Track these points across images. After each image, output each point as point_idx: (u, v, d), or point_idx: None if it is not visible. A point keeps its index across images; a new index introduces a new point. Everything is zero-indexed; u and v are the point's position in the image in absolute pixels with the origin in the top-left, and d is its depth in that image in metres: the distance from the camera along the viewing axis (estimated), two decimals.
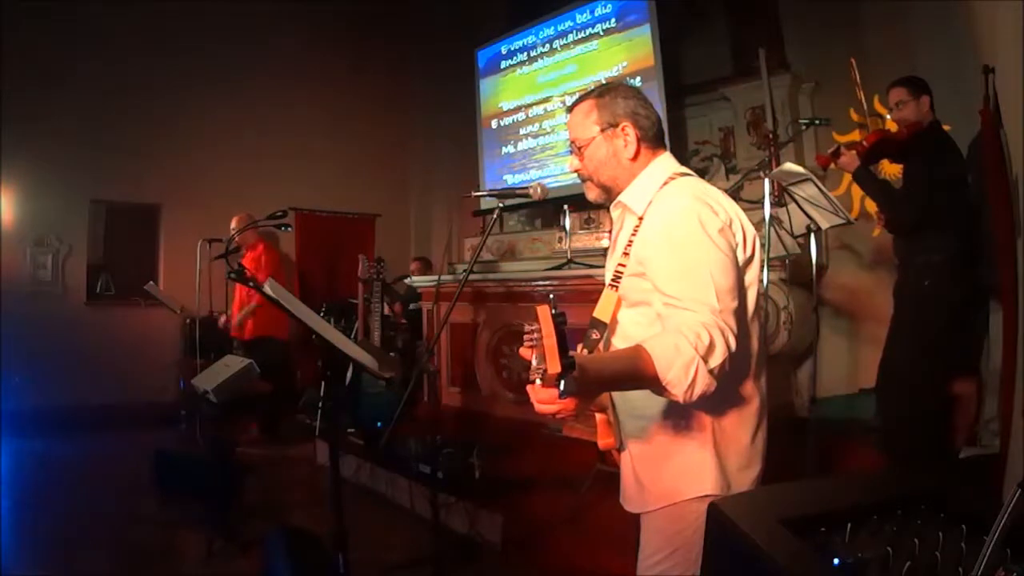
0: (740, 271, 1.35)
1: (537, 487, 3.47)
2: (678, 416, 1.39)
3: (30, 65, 5.81)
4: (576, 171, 1.52)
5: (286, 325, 5.72)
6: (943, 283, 2.96)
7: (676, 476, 1.40)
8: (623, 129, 1.44)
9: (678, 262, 1.30)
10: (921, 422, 3.00)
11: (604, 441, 1.49)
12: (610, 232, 5.12)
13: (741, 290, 1.34)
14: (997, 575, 0.87)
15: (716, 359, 1.20)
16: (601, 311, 1.46)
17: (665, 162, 1.47)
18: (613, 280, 1.46)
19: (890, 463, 3.09)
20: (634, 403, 1.44)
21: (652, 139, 1.46)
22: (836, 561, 0.97)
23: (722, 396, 1.29)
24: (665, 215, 1.36)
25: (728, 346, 1.22)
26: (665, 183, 1.42)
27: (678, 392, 1.17)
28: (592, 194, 1.52)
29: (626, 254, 1.42)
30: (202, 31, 6.63)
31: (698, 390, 1.18)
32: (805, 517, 1.05)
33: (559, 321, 0.97)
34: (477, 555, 3.07)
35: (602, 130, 1.45)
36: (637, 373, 1.15)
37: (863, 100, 3.63)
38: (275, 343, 5.62)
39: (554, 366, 0.96)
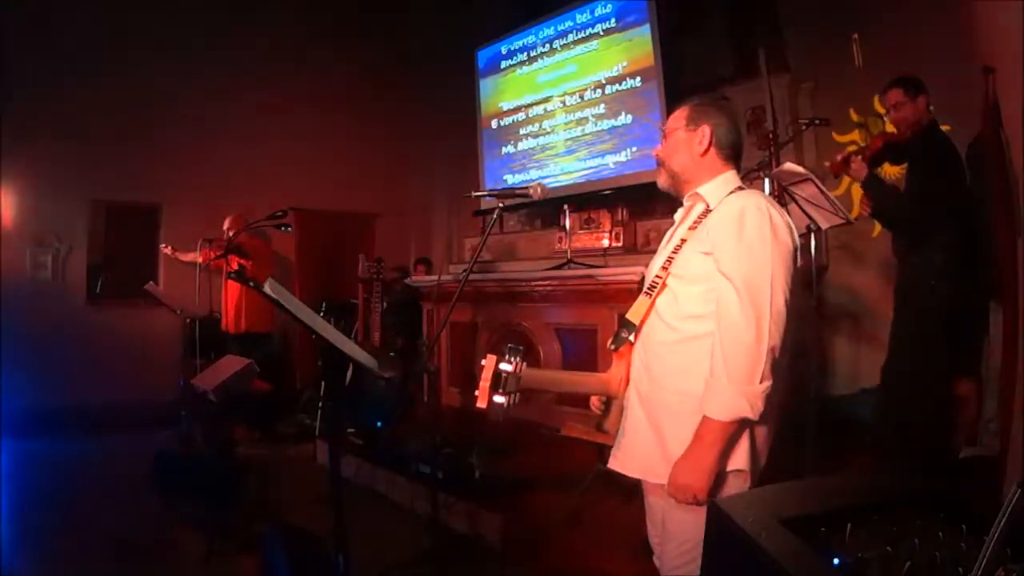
0: (794, 268, 1.52)
1: (537, 487, 3.48)
2: None
3: (30, 65, 5.81)
4: (655, 155, 1.75)
5: (271, 319, 5.75)
6: (945, 282, 2.96)
7: None
8: (701, 130, 1.66)
9: (745, 247, 1.47)
10: (922, 422, 3.00)
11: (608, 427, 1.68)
12: (611, 232, 5.14)
13: (793, 288, 1.51)
14: (997, 575, 0.87)
15: (764, 382, 1.40)
16: (633, 314, 1.62)
17: (737, 177, 1.69)
18: (651, 286, 1.61)
19: (890, 463, 3.09)
20: (674, 378, 1.54)
21: (726, 153, 1.68)
22: (836, 561, 0.97)
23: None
24: (739, 207, 1.53)
25: (772, 352, 1.41)
26: (735, 191, 1.62)
27: (752, 417, 1.42)
28: (661, 178, 1.74)
29: (681, 244, 1.59)
30: (202, 32, 6.62)
31: (761, 406, 1.41)
32: (805, 517, 1.06)
33: (500, 370, 1.42)
34: (477, 555, 3.07)
35: (686, 126, 1.68)
36: (718, 434, 1.43)
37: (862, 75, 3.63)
38: (267, 338, 5.65)
39: (482, 402, 1.43)
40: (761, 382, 1.40)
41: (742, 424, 1.45)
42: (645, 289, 1.64)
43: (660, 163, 1.73)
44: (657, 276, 1.61)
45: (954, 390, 3.26)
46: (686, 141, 1.67)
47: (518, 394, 1.44)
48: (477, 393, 1.42)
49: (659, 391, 1.56)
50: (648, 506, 1.70)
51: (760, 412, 1.41)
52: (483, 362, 1.43)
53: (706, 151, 1.65)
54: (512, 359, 1.42)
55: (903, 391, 3.07)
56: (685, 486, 1.45)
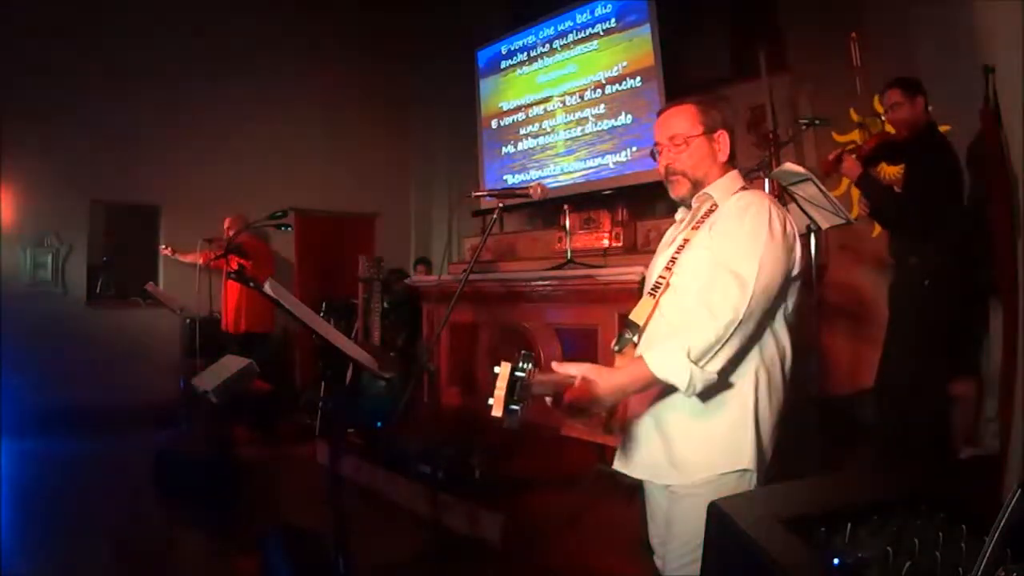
0: (789, 272, 1.51)
1: (537, 487, 3.48)
2: (722, 393, 1.49)
3: (30, 65, 5.81)
4: (668, 165, 1.64)
5: (271, 319, 5.76)
6: (942, 283, 2.96)
7: (718, 450, 1.50)
8: (720, 136, 1.62)
9: (741, 242, 1.46)
10: (921, 422, 3.00)
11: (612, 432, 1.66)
12: (611, 232, 5.13)
13: (782, 290, 1.50)
14: (997, 575, 0.87)
15: (715, 363, 1.38)
16: (637, 314, 1.59)
17: (740, 176, 1.67)
18: (654, 286, 1.59)
19: (890, 463, 3.09)
20: None
21: (733, 153, 1.66)
22: (836, 561, 0.97)
23: (764, 379, 1.51)
24: (746, 204, 1.53)
25: (732, 345, 1.39)
26: (739, 190, 1.62)
27: (681, 390, 1.38)
28: (682, 189, 1.65)
29: (685, 243, 1.58)
30: (203, 32, 6.63)
31: (699, 387, 1.37)
32: (805, 517, 1.05)
33: (516, 377, 1.36)
34: (477, 555, 3.07)
35: (703, 134, 1.61)
36: (646, 381, 1.40)
37: (857, 86, 3.64)
38: (267, 338, 5.65)
39: (497, 410, 1.35)
40: (707, 365, 1.37)
41: (664, 385, 1.41)
42: (648, 290, 1.62)
43: (678, 174, 1.63)
44: (660, 276, 1.59)
45: (953, 390, 3.26)
46: (709, 150, 1.62)
47: (531, 400, 1.40)
48: (492, 402, 1.36)
49: (663, 392, 1.55)
50: (650, 507, 1.69)
51: (693, 393, 1.38)
52: (497, 369, 1.39)
53: (728, 158, 1.63)
54: (526, 365, 1.38)
55: (899, 391, 3.07)
56: (584, 398, 1.41)
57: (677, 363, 1.37)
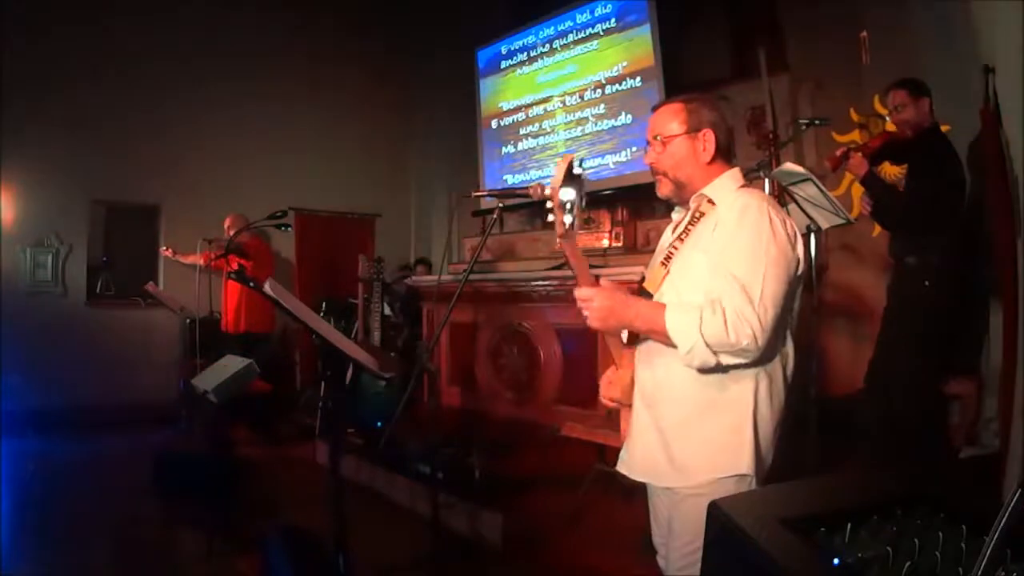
0: (793, 276, 1.50)
1: (537, 487, 3.48)
2: (722, 397, 1.49)
3: (30, 64, 5.81)
4: (651, 164, 1.64)
5: (271, 319, 5.77)
6: (941, 283, 2.96)
7: (716, 453, 1.49)
8: (704, 135, 1.58)
9: (742, 243, 1.45)
10: (919, 422, 3.00)
11: (608, 394, 1.70)
12: (611, 232, 5.13)
13: (788, 292, 1.48)
14: (997, 575, 0.87)
15: (722, 358, 1.39)
16: (650, 283, 1.60)
17: (738, 174, 1.63)
18: (665, 259, 1.59)
19: (890, 463, 3.09)
20: (674, 381, 1.52)
21: (726, 152, 1.62)
22: (836, 561, 0.97)
23: (764, 384, 1.50)
24: (743, 206, 1.51)
25: (739, 337, 1.37)
26: (740, 188, 1.59)
27: (680, 353, 1.41)
28: (665, 189, 1.65)
29: (686, 233, 1.57)
30: (203, 31, 6.63)
31: (696, 362, 1.41)
32: (805, 517, 1.05)
33: (573, 173, 1.37)
34: (477, 555, 3.07)
35: (687, 132, 1.58)
36: (653, 324, 1.44)
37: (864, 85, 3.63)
38: (267, 338, 5.65)
39: (557, 182, 1.37)
40: (718, 355, 1.39)
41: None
42: (660, 260, 1.61)
43: (659, 173, 1.63)
44: (672, 246, 1.59)
45: (953, 389, 3.27)
46: (690, 149, 1.58)
47: (584, 194, 1.43)
48: (551, 181, 1.40)
49: (663, 393, 1.55)
50: (653, 507, 1.70)
51: (690, 364, 1.42)
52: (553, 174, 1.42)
53: (713, 157, 1.58)
54: (583, 164, 1.42)
55: (894, 391, 3.07)
56: (596, 308, 1.48)
57: (690, 328, 1.39)
